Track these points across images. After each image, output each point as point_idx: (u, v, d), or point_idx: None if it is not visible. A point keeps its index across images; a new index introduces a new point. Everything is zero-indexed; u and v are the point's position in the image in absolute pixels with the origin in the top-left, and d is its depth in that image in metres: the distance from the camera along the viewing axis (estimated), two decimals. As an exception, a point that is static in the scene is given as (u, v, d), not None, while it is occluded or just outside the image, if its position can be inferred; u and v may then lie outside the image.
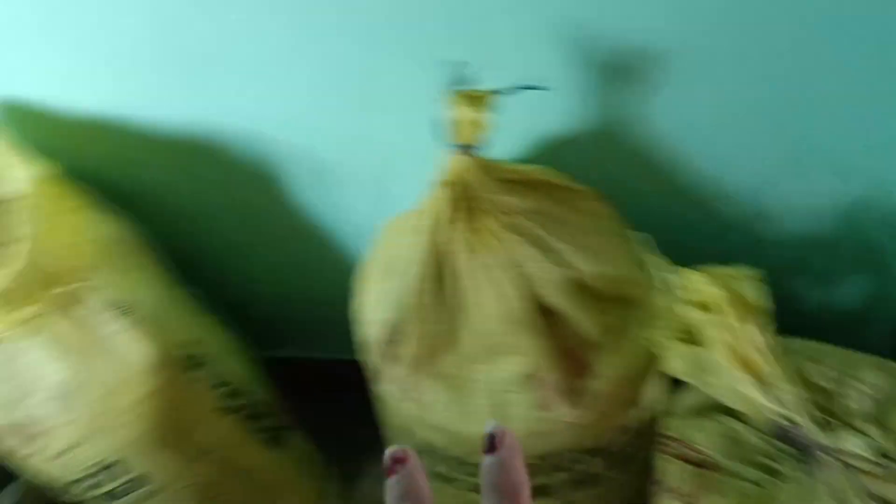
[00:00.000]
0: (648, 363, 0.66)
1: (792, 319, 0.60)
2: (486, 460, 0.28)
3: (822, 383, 0.58)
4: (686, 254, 0.64)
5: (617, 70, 0.69)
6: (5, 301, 0.70)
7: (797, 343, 0.62)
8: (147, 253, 0.86)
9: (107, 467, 0.84)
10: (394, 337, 0.68)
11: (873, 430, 0.55)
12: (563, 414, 0.64)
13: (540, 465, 0.68)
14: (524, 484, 0.27)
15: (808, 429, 0.55)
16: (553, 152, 0.72)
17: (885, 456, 0.54)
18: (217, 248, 0.96)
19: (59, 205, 0.76)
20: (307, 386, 1.05)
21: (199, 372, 0.85)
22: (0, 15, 0.72)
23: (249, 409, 0.93)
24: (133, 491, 0.88)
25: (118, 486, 0.87)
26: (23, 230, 0.70)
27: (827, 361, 0.60)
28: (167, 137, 0.81)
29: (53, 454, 0.82)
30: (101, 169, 0.85)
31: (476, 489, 0.65)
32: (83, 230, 0.77)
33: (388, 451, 0.29)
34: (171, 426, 0.84)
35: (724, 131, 0.73)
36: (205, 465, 0.90)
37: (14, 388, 0.76)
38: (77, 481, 0.87)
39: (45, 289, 0.72)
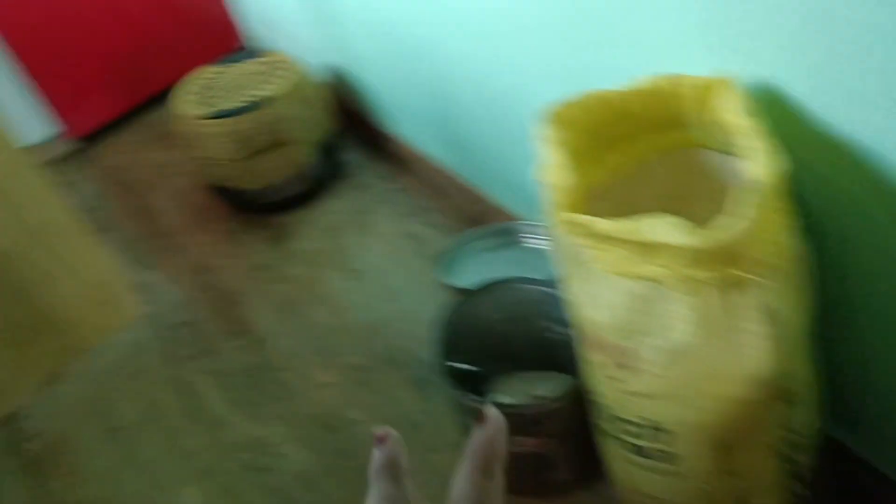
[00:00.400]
0: None
1: None
2: (476, 431, 0.36)
3: None
4: None
5: None
6: (694, 255, 0.76)
7: None
8: (809, 280, 0.85)
9: (656, 429, 0.89)
10: None
11: None
12: None
13: None
14: (500, 456, 0.35)
15: None
16: None
17: None
18: (855, 314, 0.91)
19: (776, 202, 0.78)
20: (860, 491, 0.96)
21: (783, 407, 0.83)
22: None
23: (794, 466, 0.89)
24: (657, 460, 0.92)
25: (650, 448, 0.92)
26: (747, 211, 0.74)
27: None
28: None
29: (626, 390, 0.89)
30: (816, 185, 0.86)
31: None
32: (781, 233, 0.79)
33: (374, 431, 0.36)
34: (728, 434, 0.85)
35: None
36: (724, 483, 0.90)
37: (642, 321, 0.83)
38: (622, 420, 0.94)
39: (727, 264, 0.76)
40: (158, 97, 2.25)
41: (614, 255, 0.83)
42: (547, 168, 0.88)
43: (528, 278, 1.25)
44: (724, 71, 0.85)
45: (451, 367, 1.19)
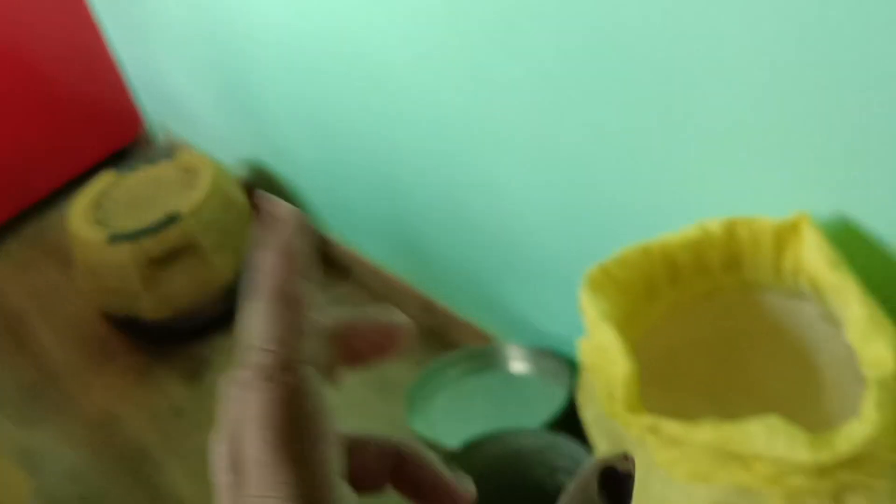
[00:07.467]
0: None
1: None
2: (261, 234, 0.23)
3: None
4: None
5: None
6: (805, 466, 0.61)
7: None
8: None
9: None
10: None
11: None
12: None
13: None
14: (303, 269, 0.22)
15: None
16: None
17: None
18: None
19: None
20: None
21: None
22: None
23: None
24: None
25: None
26: (874, 414, 0.59)
27: None
28: None
29: None
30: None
31: None
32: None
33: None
34: None
35: None
36: None
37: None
38: None
39: (844, 472, 0.62)
40: (46, 201, 1.92)
41: (693, 459, 0.67)
42: (597, 351, 0.71)
43: (519, 429, 1.07)
44: (788, 208, 0.72)
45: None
